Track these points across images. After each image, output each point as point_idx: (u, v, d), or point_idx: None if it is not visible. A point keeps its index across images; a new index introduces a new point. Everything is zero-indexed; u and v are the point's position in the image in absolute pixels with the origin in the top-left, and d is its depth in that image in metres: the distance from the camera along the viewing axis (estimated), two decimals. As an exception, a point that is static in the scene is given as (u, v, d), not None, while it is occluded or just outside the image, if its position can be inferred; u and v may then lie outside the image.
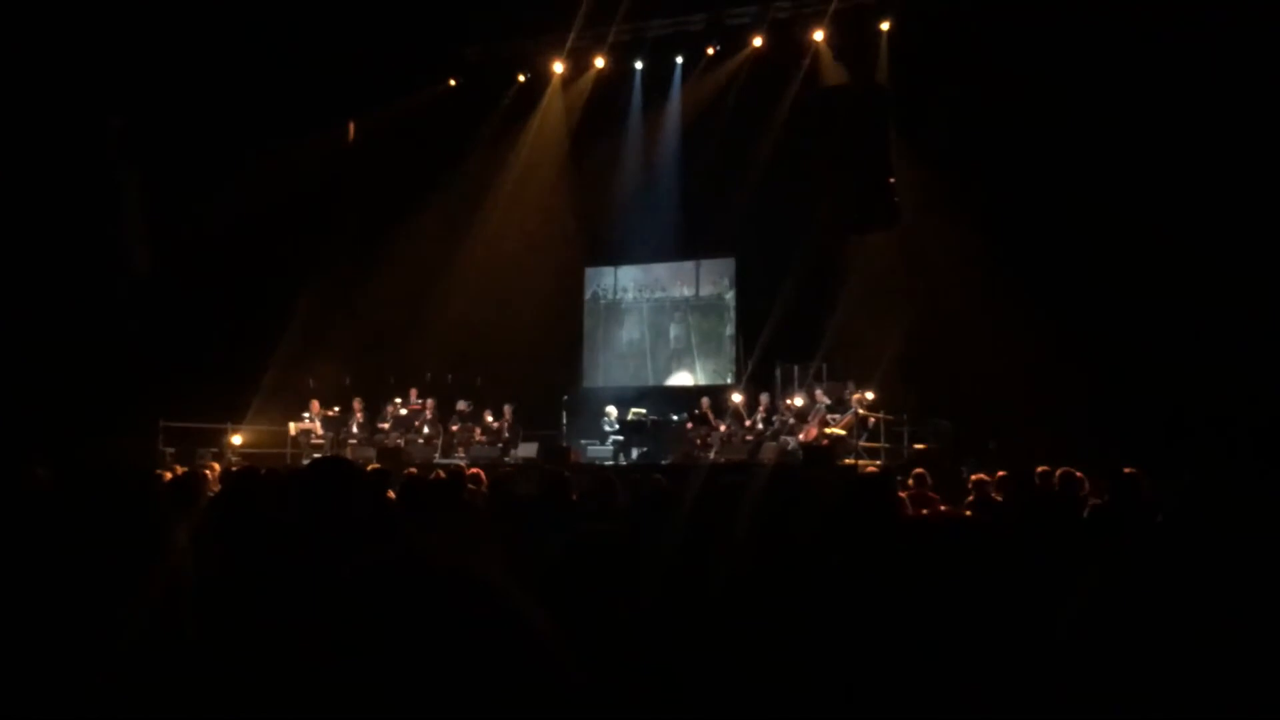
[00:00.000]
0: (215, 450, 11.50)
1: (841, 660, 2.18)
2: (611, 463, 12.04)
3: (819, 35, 13.09)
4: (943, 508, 6.15)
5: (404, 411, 13.21)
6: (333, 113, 13.64)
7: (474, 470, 6.94)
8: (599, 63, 14.43)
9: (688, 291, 14.87)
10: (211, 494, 4.88)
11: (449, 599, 0.84)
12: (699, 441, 12.07)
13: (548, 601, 0.96)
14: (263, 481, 4.58)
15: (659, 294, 15.08)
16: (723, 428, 12.14)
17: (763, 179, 12.72)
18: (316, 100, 12.66)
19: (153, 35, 10.71)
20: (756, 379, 12.86)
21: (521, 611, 0.85)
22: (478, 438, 12.79)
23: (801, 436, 11.33)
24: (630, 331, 15.17)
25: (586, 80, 14.64)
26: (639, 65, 14.40)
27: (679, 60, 14.21)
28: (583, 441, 13.13)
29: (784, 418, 11.80)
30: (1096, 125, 10.44)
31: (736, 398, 12.46)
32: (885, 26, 12.72)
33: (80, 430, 8.65)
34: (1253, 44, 9.38)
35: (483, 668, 0.81)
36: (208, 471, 6.36)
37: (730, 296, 14.52)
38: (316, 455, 10.63)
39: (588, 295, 15.40)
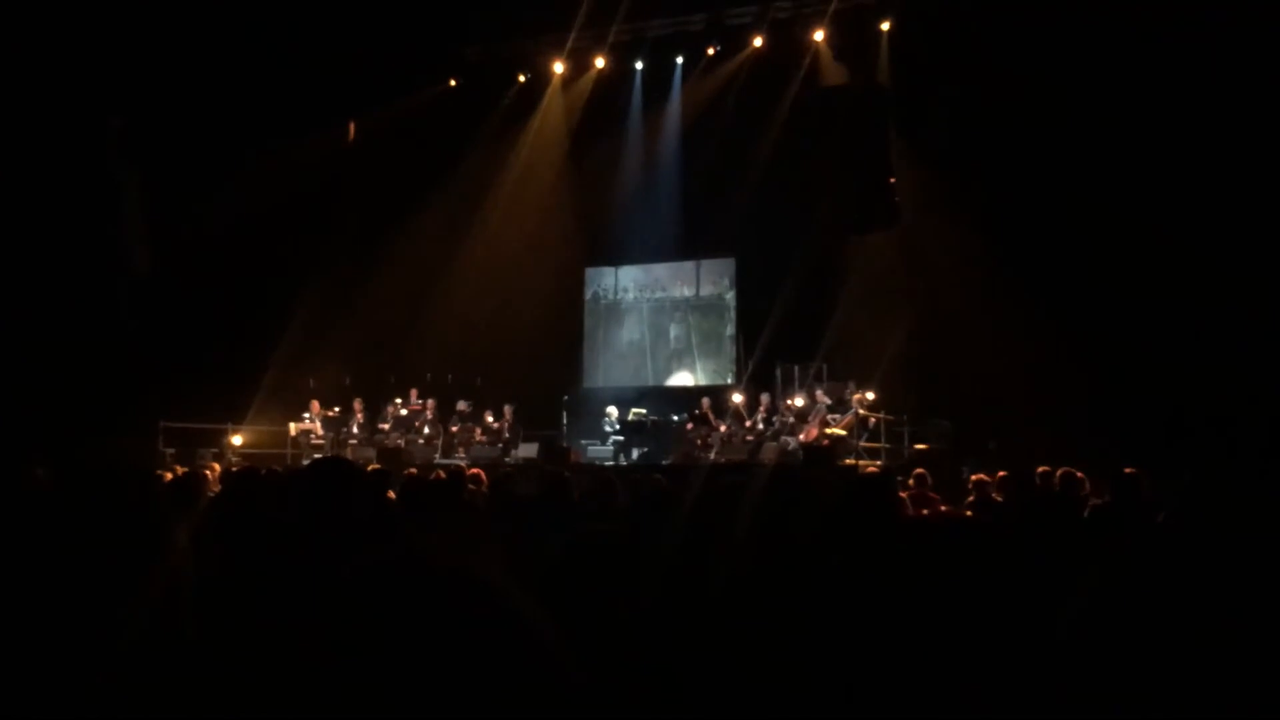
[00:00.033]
0: (215, 451, 11.50)
1: (842, 660, 2.18)
2: (612, 463, 12.04)
3: (819, 35, 13.09)
4: (943, 508, 6.15)
5: (404, 412, 13.21)
6: (333, 113, 13.64)
7: (474, 470, 6.93)
8: (599, 63, 14.43)
9: (688, 291, 14.87)
10: (212, 494, 4.89)
11: (449, 599, 0.84)
12: (699, 442, 12.07)
13: (548, 601, 0.96)
14: (263, 482, 4.58)
15: (659, 294, 15.08)
16: (723, 428, 12.14)
17: (763, 179, 12.72)
18: (316, 100, 12.65)
19: (153, 35, 10.71)
20: (757, 379, 12.86)
21: (521, 611, 0.85)
22: (478, 438, 12.79)
23: (802, 437, 11.33)
24: (630, 331, 15.17)
25: (586, 80, 14.64)
26: (639, 65, 14.41)
27: (679, 60, 14.21)
28: (583, 442, 13.14)
29: (784, 418, 11.79)
30: (1097, 125, 10.44)
31: (737, 398, 12.46)
32: (885, 26, 12.72)
33: (80, 430, 8.64)
34: (1253, 44, 9.38)
35: (483, 668, 0.81)
36: (208, 472, 6.36)
37: (730, 296, 14.52)
38: (317, 456, 10.63)
39: (588, 295, 15.40)
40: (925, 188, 11.67)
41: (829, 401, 11.52)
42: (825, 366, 12.05)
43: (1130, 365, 9.91)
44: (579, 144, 14.65)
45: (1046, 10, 10.48)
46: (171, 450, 11.03)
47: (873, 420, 11.10)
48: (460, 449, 12.65)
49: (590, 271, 15.35)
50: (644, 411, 12.89)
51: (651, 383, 14.67)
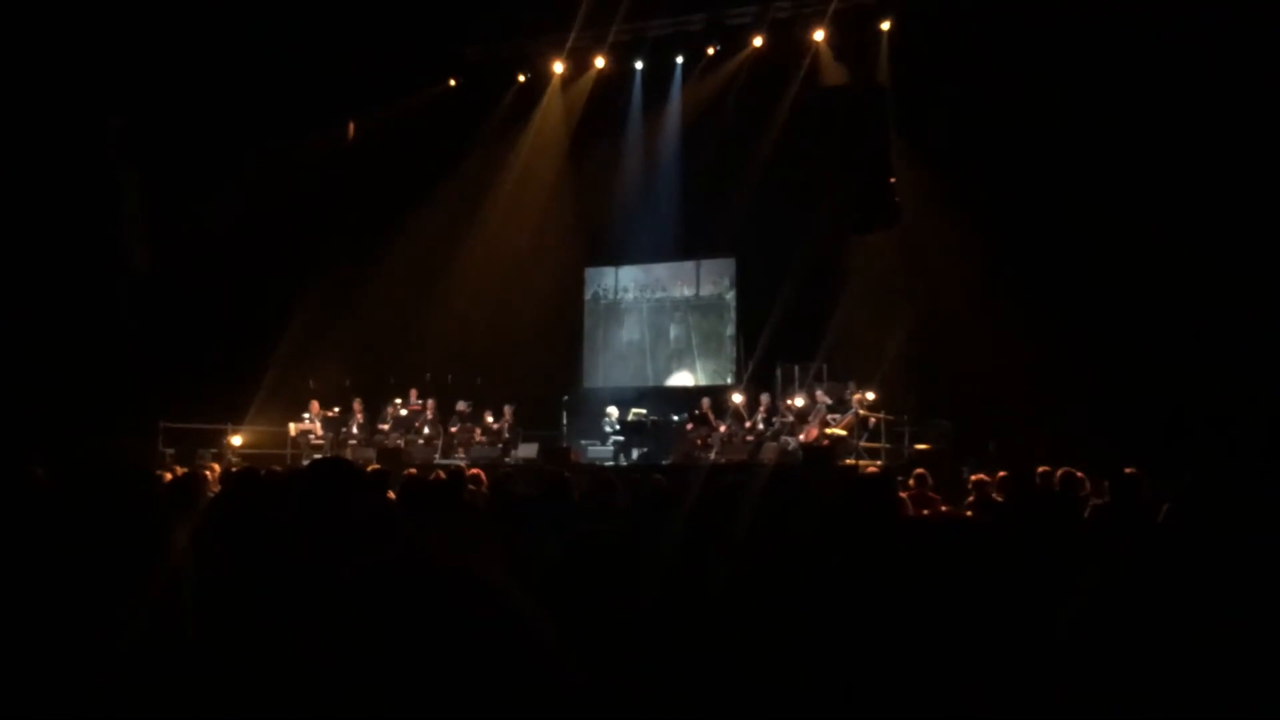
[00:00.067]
0: (215, 451, 11.50)
1: (841, 660, 2.18)
2: (612, 463, 12.04)
3: (819, 35, 13.09)
4: (943, 508, 6.15)
5: (404, 412, 13.21)
6: (333, 113, 13.64)
7: (474, 471, 6.93)
8: (599, 63, 14.42)
9: (688, 291, 14.87)
10: (211, 495, 4.88)
11: (449, 599, 0.84)
12: (699, 442, 12.06)
13: (548, 601, 0.96)
14: (262, 482, 4.58)
15: (659, 294, 15.08)
16: (723, 428, 12.14)
17: (763, 179, 12.72)
18: (316, 100, 12.66)
19: (153, 35, 10.71)
20: (757, 379, 12.85)
21: (521, 611, 0.85)
22: (478, 438, 12.79)
23: (802, 437, 11.33)
24: (630, 331, 15.17)
25: (586, 80, 14.63)
26: (639, 65, 14.40)
27: (679, 60, 14.21)
28: (583, 442, 13.13)
29: (784, 418, 11.79)
30: (1097, 125, 10.44)
31: (737, 398, 12.46)
32: (885, 26, 12.71)
33: (80, 430, 8.64)
34: (1253, 44, 9.38)
35: (483, 668, 0.81)
36: (208, 472, 6.36)
37: (730, 296, 14.52)
38: (316, 456, 10.63)
39: (588, 295, 15.40)
40: (925, 188, 11.67)
41: (829, 401, 11.52)
42: (825, 366, 12.04)
43: (1130, 365, 9.91)
44: (579, 144, 14.65)
45: (1046, 10, 10.48)
46: (171, 450, 11.03)
47: (873, 420, 11.10)
48: (460, 449, 12.65)
49: (590, 271, 15.34)
50: (644, 411, 12.89)
51: (651, 383, 14.67)
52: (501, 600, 0.85)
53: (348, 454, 11.80)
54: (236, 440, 12.12)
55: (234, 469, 7.81)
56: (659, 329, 15.00)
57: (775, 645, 2.14)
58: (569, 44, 14.10)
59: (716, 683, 1.99)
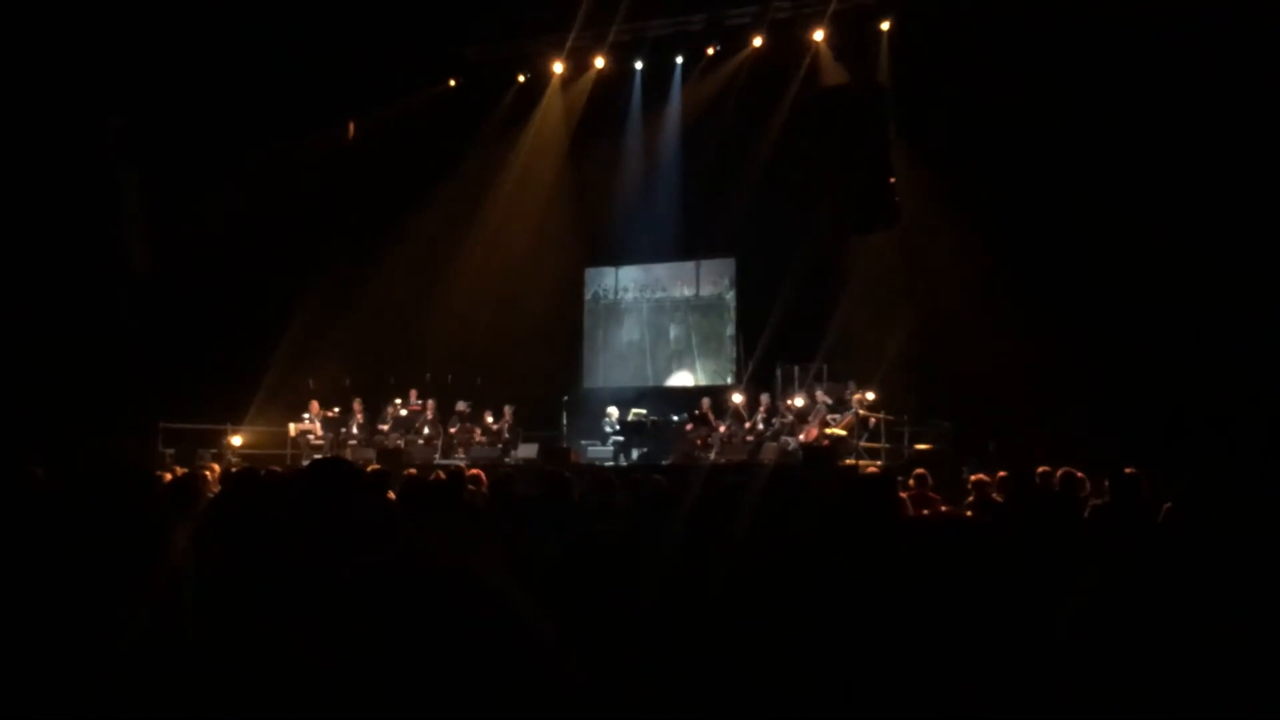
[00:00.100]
0: (215, 451, 11.50)
1: (841, 660, 2.18)
2: (612, 463, 12.04)
3: (819, 35, 13.09)
4: (943, 508, 6.15)
5: (404, 412, 13.21)
6: (333, 113, 13.64)
7: (474, 471, 6.93)
8: (599, 63, 14.42)
9: (688, 292, 14.87)
10: (211, 495, 4.88)
11: (449, 599, 0.84)
12: (699, 442, 12.06)
13: (548, 601, 0.96)
14: (262, 482, 4.58)
15: (659, 294, 15.08)
16: (723, 428, 12.13)
17: (763, 179, 12.71)
18: (316, 100, 12.66)
19: (153, 35, 10.71)
20: (757, 379, 12.85)
21: (521, 612, 0.85)
22: (478, 438, 12.79)
23: (802, 437, 11.33)
24: (630, 332, 15.17)
25: (586, 80, 14.63)
26: (639, 65, 14.40)
27: (679, 60, 14.21)
28: (583, 442, 13.13)
29: (784, 418, 11.79)
30: (1097, 125, 10.44)
31: (737, 398, 12.46)
32: (885, 26, 12.71)
33: (80, 430, 8.64)
34: (1253, 44, 9.38)
35: (483, 668, 0.81)
36: (207, 473, 6.36)
37: (730, 296, 14.52)
38: (316, 456, 10.63)
39: (588, 295, 15.40)
40: (925, 188, 11.67)
41: (829, 401, 11.52)
42: (825, 366, 12.04)
43: (1130, 365, 9.91)
44: (579, 144, 14.65)
45: (1046, 10, 10.48)
46: (171, 451, 11.03)
47: (873, 420, 11.10)
48: (460, 449, 12.65)
49: (590, 271, 15.35)
50: (644, 412, 12.89)
51: (651, 383, 14.67)
52: (501, 600, 0.85)
53: (348, 454, 11.80)
54: (236, 440, 12.12)
55: (234, 469, 7.81)
56: (659, 329, 15.01)
57: (775, 645, 2.14)
58: (569, 44, 14.10)
59: (716, 683, 1.99)
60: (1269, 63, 9.26)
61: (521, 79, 14.77)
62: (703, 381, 14.35)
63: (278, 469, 7.56)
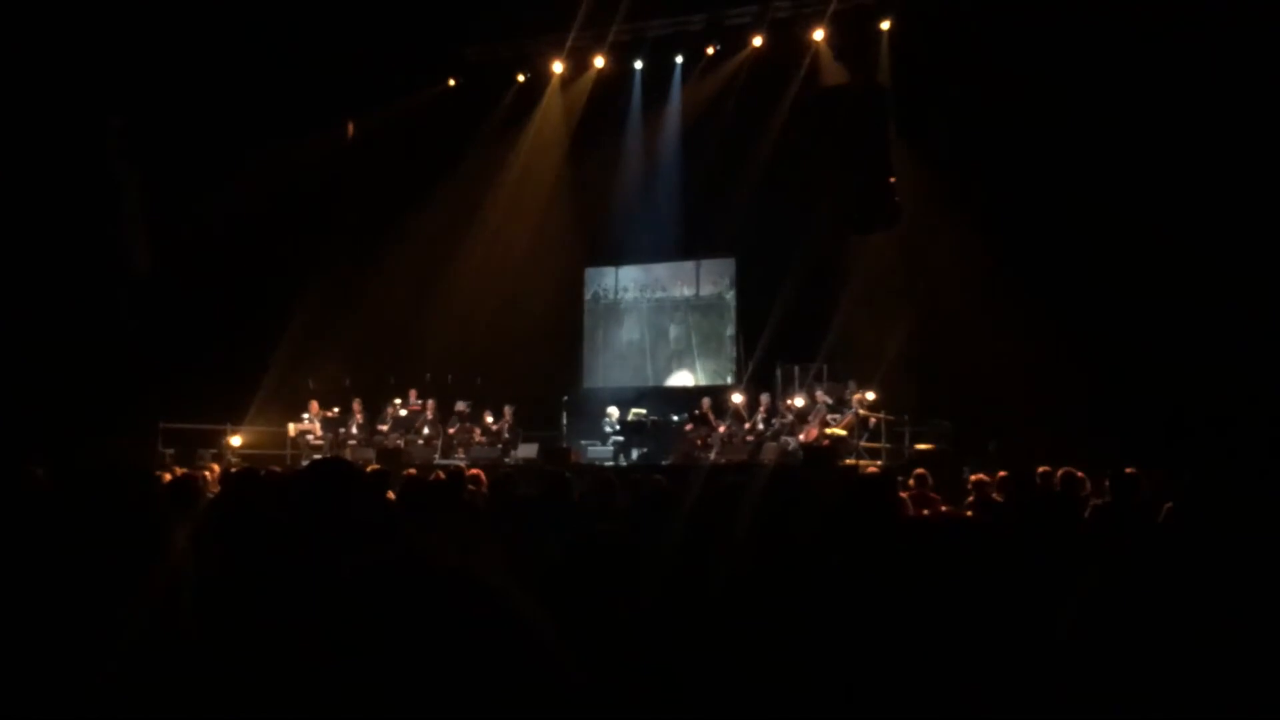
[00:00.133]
0: (215, 451, 11.50)
1: (841, 660, 2.18)
2: (612, 463, 12.04)
3: (819, 35, 13.09)
4: (943, 508, 6.15)
5: (404, 412, 13.21)
6: (333, 113, 13.64)
7: (474, 471, 6.93)
8: (599, 63, 14.42)
9: (688, 291, 14.87)
10: (211, 495, 4.89)
11: (449, 599, 0.83)
12: (699, 442, 12.06)
13: (548, 601, 0.96)
14: (262, 482, 4.58)
15: (659, 294, 15.08)
16: (723, 428, 12.13)
17: (763, 179, 12.72)
18: (316, 100, 12.65)
19: (153, 35, 10.71)
20: (757, 379, 12.86)
21: (521, 612, 0.85)
22: (477, 438, 12.79)
23: (802, 437, 11.33)
24: (630, 331, 15.17)
25: (586, 80, 14.63)
26: (639, 65, 14.40)
27: (679, 60, 14.21)
28: (583, 442, 13.13)
29: (784, 418, 11.79)
30: (1097, 125, 10.44)
31: (737, 398, 12.46)
32: (885, 26, 12.71)
33: (80, 430, 8.64)
34: (1253, 44, 9.38)
35: (483, 668, 0.80)
36: (207, 473, 6.36)
37: (730, 296, 14.52)
38: (316, 456, 10.63)
39: (588, 295, 15.40)
40: (925, 188, 11.67)
41: (829, 401, 11.52)
42: (825, 366, 12.05)
43: (1130, 365, 9.91)
44: (579, 144, 14.64)
45: (1047, 10, 10.48)
46: (171, 451, 11.03)
47: (873, 420, 11.11)
48: (460, 449, 12.65)
49: (590, 271, 15.34)
50: (644, 412, 12.89)
51: (651, 383, 14.67)
52: (501, 600, 0.85)
53: (347, 454, 11.80)
54: (236, 441, 12.12)
55: (233, 469, 7.81)
56: (659, 329, 15.01)
57: (775, 645, 2.14)
58: (569, 44, 14.10)
59: (716, 683, 1.99)
60: (1269, 63, 9.26)
61: (521, 79, 14.77)
62: (703, 381, 14.35)
63: (277, 469, 7.57)
